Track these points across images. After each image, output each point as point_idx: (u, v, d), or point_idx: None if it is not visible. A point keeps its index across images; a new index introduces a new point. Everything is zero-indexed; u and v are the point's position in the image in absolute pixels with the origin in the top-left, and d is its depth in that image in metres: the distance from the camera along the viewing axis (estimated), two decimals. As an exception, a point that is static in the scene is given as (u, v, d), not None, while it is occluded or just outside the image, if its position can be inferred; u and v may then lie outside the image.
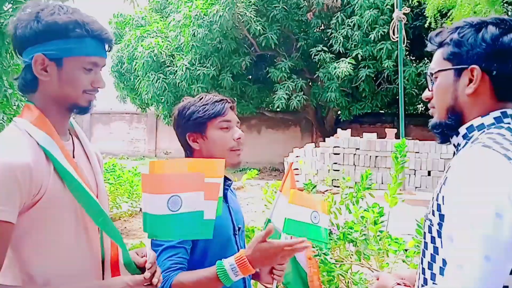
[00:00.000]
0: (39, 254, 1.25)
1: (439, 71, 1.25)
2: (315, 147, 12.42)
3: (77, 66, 1.28)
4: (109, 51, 1.36)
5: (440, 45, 1.25)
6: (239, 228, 1.72)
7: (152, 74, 14.81)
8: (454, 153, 1.27)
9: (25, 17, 1.28)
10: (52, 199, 1.23)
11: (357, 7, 13.15)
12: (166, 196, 1.29)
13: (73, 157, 1.34)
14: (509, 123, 1.17)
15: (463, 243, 1.02)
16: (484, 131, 1.17)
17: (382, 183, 11.02)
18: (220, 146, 1.66)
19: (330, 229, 3.24)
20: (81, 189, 1.27)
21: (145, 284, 1.28)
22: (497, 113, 1.18)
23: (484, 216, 1.00)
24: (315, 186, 3.66)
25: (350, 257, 3.19)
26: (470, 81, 1.18)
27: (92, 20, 1.30)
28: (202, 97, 1.71)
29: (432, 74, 1.27)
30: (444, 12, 8.71)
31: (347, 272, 2.99)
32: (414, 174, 11.33)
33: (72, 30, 1.26)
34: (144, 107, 17.39)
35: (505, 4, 10.55)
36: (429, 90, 1.29)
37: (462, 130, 1.22)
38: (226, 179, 1.67)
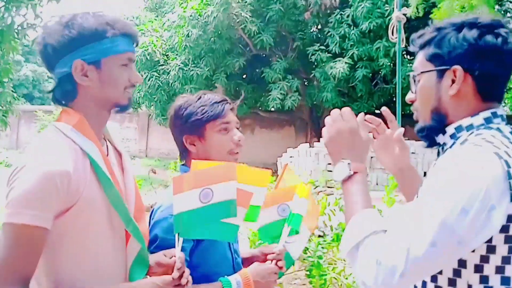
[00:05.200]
0: (68, 261, 1.25)
1: (421, 72, 1.22)
2: (310, 147, 12.36)
3: (115, 65, 1.31)
4: (137, 45, 1.40)
5: (422, 46, 1.23)
6: None
7: (145, 73, 14.67)
8: (438, 152, 1.23)
9: (55, 28, 1.29)
10: (87, 204, 1.23)
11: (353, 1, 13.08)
12: (198, 190, 1.31)
13: None
14: (498, 124, 1.15)
15: (419, 220, 1.02)
16: (473, 132, 1.15)
17: (377, 184, 10.97)
18: (218, 149, 1.61)
19: (322, 231, 3.17)
20: (118, 195, 1.28)
21: (174, 284, 1.28)
22: (487, 113, 1.16)
23: (451, 206, 1.00)
24: (316, 186, 3.62)
25: (344, 260, 3.13)
26: (453, 82, 1.16)
27: (118, 19, 1.34)
28: (201, 97, 1.64)
29: (414, 76, 1.25)
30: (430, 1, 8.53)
31: (340, 275, 2.95)
32: (410, 175, 11.26)
33: (104, 31, 1.29)
34: (135, 106, 17.26)
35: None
36: (412, 92, 1.27)
37: (450, 129, 1.19)
38: None
